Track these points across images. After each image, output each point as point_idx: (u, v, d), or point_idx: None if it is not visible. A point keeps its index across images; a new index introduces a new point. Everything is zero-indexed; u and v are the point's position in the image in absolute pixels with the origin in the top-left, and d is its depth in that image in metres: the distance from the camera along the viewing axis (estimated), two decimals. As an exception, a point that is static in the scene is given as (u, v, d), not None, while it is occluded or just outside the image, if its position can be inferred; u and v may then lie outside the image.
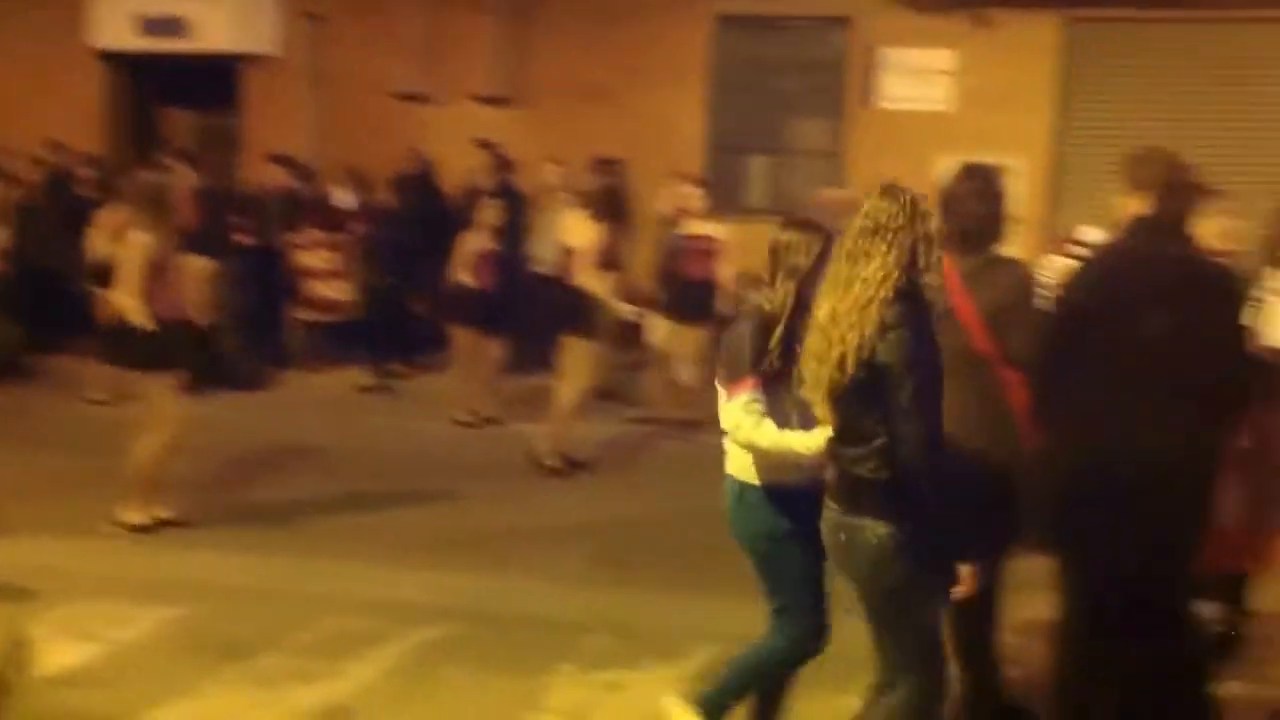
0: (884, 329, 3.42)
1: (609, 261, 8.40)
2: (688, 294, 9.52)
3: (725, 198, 11.35)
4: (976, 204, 4.34)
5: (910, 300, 3.48)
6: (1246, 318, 4.67)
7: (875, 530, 3.55)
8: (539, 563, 6.54)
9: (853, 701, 4.69)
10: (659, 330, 9.80)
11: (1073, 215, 8.55)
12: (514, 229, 10.31)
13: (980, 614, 4.47)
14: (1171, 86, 11.52)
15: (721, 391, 4.06)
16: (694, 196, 9.63)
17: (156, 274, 6.75)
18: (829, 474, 3.72)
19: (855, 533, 3.59)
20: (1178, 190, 4.16)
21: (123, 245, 7.00)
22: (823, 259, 3.80)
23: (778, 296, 3.96)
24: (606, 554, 6.77)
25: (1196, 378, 4.00)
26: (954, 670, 4.56)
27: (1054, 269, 6.04)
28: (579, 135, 11.95)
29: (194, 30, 13.45)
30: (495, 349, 9.77)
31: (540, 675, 5.08)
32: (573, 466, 8.42)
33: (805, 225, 4.06)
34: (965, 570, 3.57)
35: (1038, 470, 4.12)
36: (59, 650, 5.17)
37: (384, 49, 13.24)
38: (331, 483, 7.96)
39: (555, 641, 5.41)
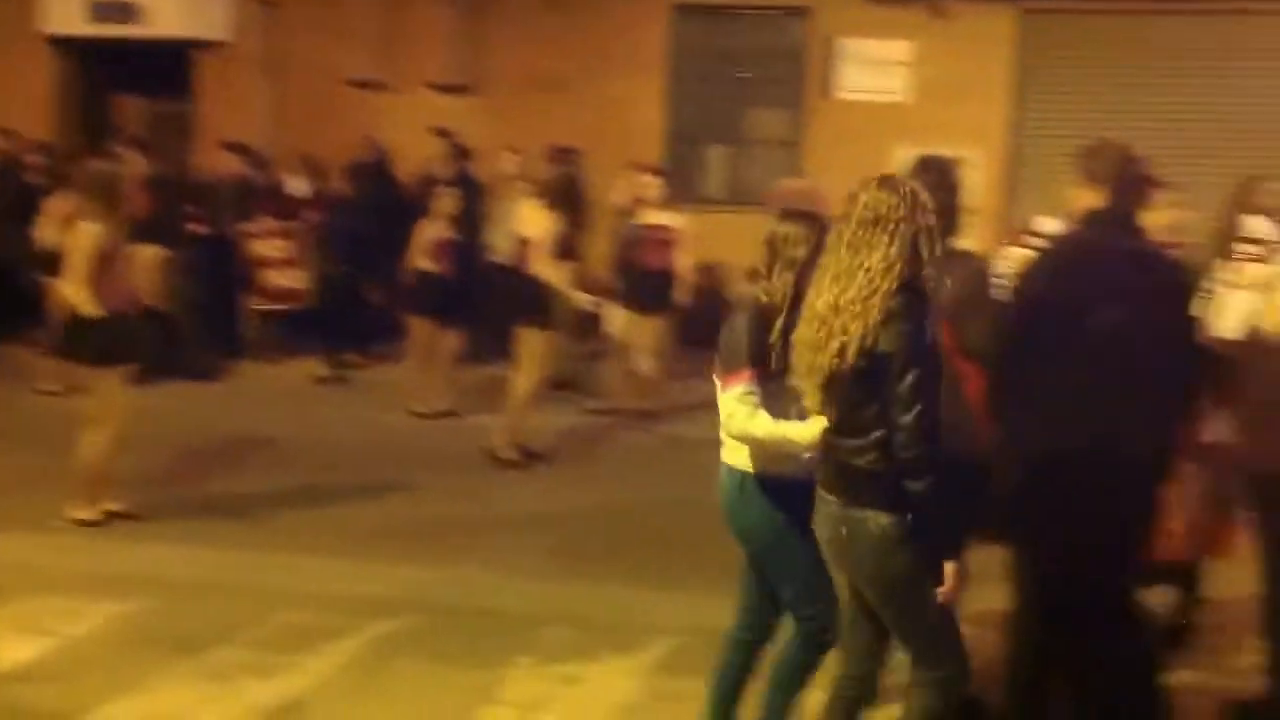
0: (887, 319, 3.42)
1: (565, 251, 8.37)
2: (645, 284, 9.51)
3: (683, 187, 11.33)
4: (931, 196, 4.34)
5: (912, 292, 3.48)
6: (1198, 309, 4.71)
7: (877, 521, 3.52)
8: (496, 555, 6.51)
9: (817, 696, 4.72)
10: (617, 320, 9.79)
11: (1029, 206, 8.61)
12: (471, 218, 10.26)
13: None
14: (1125, 78, 11.60)
15: (718, 383, 4.03)
16: (652, 186, 9.62)
17: (106, 264, 6.66)
18: (822, 467, 3.69)
19: (857, 524, 3.56)
20: (1130, 183, 4.19)
21: (71, 234, 6.90)
22: (818, 250, 3.76)
23: (776, 288, 3.92)
24: (564, 546, 6.75)
25: (1149, 369, 4.02)
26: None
27: (1011, 260, 6.06)
28: (536, 124, 11.91)
29: (146, 16, 13.26)
30: (452, 339, 9.72)
31: (497, 668, 5.05)
32: (530, 457, 8.39)
33: (803, 217, 4.03)
34: (949, 567, 3.56)
35: (993, 461, 4.13)
36: (9, 645, 5.12)
37: (339, 35, 13.13)
38: (286, 475, 7.89)
39: (512, 634, 5.38)
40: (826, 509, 3.67)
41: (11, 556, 6.20)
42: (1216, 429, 4.65)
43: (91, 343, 6.64)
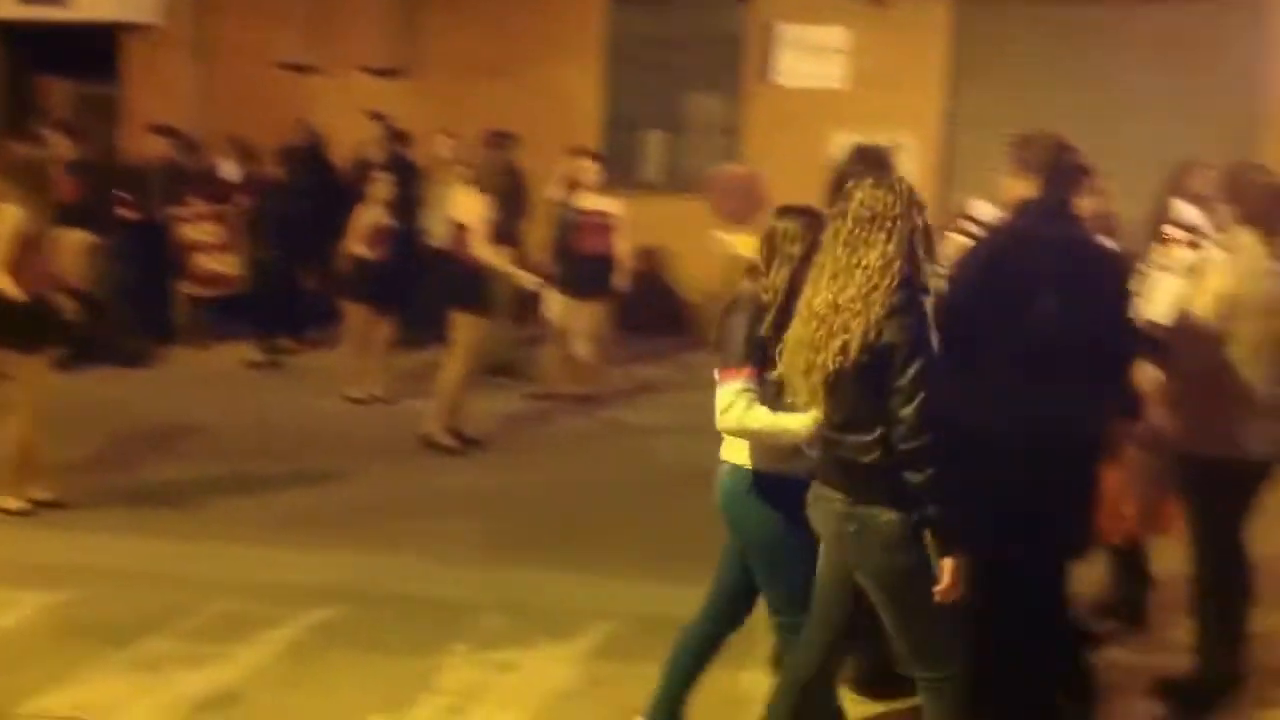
0: (891, 313, 3.42)
1: (502, 237, 8.32)
2: (583, 269, 9.48)
3: (622, 173, 11.32)
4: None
5: (911, 288, 3.48)
6: (1132, 296, 4.77)
7: (885, 516, 3.53)
8: (431, 542, 6.46)
9: (754, 676, 4.75)
10: (555, 306, 9.75)
11: (964, 193, 8.64)
12: (407, 203, 10.17)
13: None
14: (1061, 67, 11.72)
15: (716, 379, 3.99)
16: (589, 171, 9.58)
17: (29, 248, 6.54)
18: (825, 465, 3.68)
19: (866, 521, 3.56)
20: (1063, 172, 4.22)
21: (-5, 218, 6.75)
22: (815, 246, 3.74)
23: (775, 284, 3.90)
24: (500, 532, 6.71)
25: (1084, 357, 4.06)
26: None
27: (948, 246, 6.10)
28: (472, 109, 11.80)
29: (73, -2, 13.02)
30: (388, 325, 9.64)
31: (432, 656, 5.01)
32: (467, 443, 8.34)
33: (802, 213, 3.99)
34: (948, 564, 3.55)
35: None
36: (-66, 638, 5.02)
37: (269, 18, 12.94)
38: (219, 462, 7.78)
39: (448, 621, 5.34)
40: (830, 506, 3.65)
41: (-65, 547, 6.08)
42: (1158, 412, 4.72)
43: (13, 327, 6.52)
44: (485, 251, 8.22)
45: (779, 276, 3.89)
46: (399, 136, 11.55)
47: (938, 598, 3.54)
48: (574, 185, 9.68)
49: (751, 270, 4.03)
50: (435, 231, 10.05)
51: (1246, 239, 4.67)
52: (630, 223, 9.60)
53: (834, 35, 12.27)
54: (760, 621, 4.79)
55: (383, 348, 9.67)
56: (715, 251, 10.68)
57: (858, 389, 3.49)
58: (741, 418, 3.82)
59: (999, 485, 3.88)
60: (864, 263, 3.47)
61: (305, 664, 4.97)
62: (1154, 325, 4.88)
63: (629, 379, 10.50)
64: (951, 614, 3.63)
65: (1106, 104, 11.47)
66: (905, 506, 3.50)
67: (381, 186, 9.50)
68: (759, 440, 3.90)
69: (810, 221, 3.88)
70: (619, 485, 7.65)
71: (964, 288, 4.18)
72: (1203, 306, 4.59)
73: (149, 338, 10.89)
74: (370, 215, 9.42)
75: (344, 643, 5.16)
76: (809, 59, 12.35)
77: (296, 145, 11.45)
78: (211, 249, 11.04)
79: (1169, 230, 7.04)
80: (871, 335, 3.42)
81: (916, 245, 3.51)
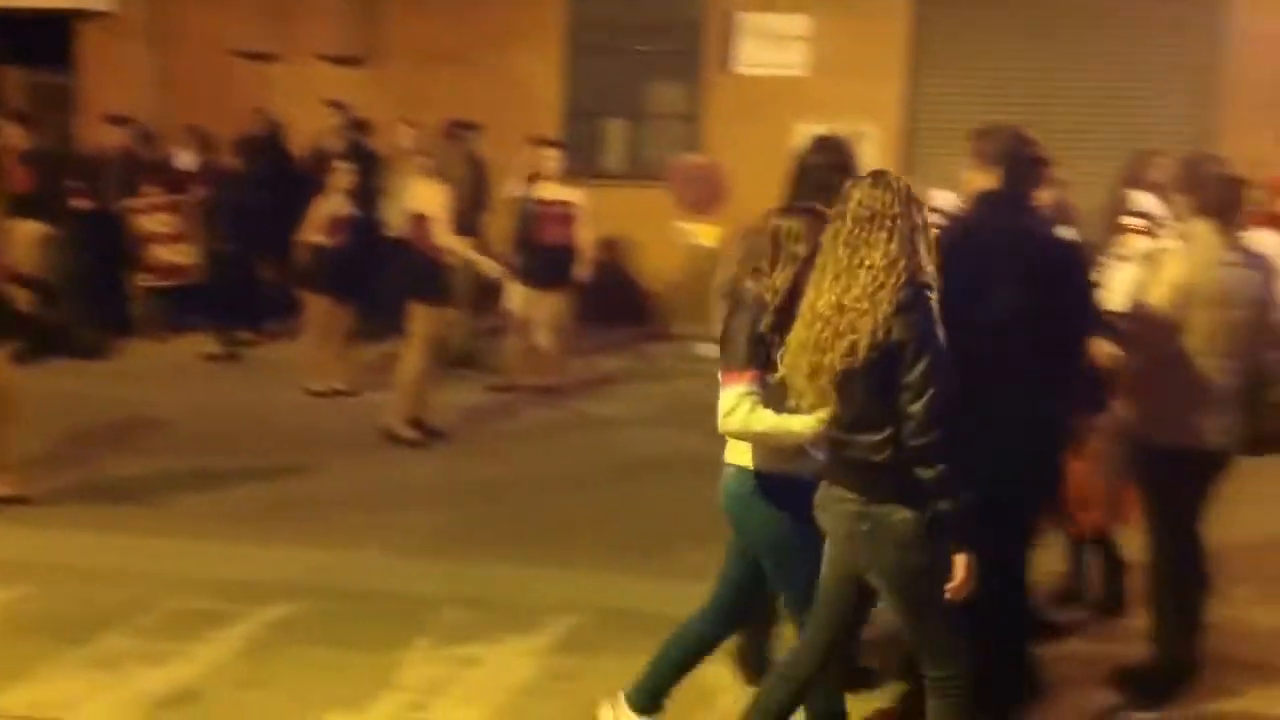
0: (898, 310, 3.42)
1: (462, 227, 8.28)
2: (544, 259, 9.45)
3: (582, 162, 11.28)
4: (827, 176, 4.37)
5: (915, 285, 3.48)
6: (1092, 287, 4.80)
7: (899, 514, 3.53)
8: (392, 535, 6.43)
9: (718, 670, 4.76)
10: (516, 296, 9.72)
11: (925, 181, 8.68)
12: (367, 192, 10.11)
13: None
14: (1021, 54, 11.78)
15: (720, 380, 3.96)
16: (550, 160, 9.54)
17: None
18: (835, 466, 3.67)
19: (880, 519, 3.55)
20: (1023, 164, 4.24)
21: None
22: (817, 247, 3.71)
23: (778, 284, 3.86)
24: (462, 525, 6.69)
25: (1042, 348, 4.08)
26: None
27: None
28: (432, 97, 11.74)
29: (27, -15, 12.84)
30: (348, 316, 9.57)
31: (393, 652, 4.98)
32: (429, 435, 8.30)
33: (807, 212, 3.94)
34: (961, 559, 3.55)
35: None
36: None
37: (227, 5, 12.83)
38: (177, 456, 7.71)
39: (409, 616, 5.32)
40: (843, 507, 3.64)
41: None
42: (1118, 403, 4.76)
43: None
44: (449, 241, 8.18)
45: (782, 276, 3.85)
46: (360, 125, 11.48)
47: (950, 594, 3.55)
48: (535, 175, 9.64)
49: (755, 270, 3.99)
50: (394, 222, 9.98)
51: (1202, 229, 4.70)
52: (591, 212, 9.57)
53: (795, 23, 12.27)
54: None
55: (343, 339, 9.61)
56: (677, 241, 10.73)
57: (867, 388, 3.48)
58: (746, 421, 3.78)
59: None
60: (867, 262, 3.46)
61: (265, 661, 4.93)
62: (1113, 314, 4.91)
63: (591, 370, 10.49)
64: (959, 613, 3.65)
65: (1067, 91, 11.56)
66: (918, 504, 3.51)
67: (342, 176, 9.43)
68: (764, 442, 3.87)
69: (814, 220, 3.83)
70: (581, 477, 7.64)
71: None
72: (1158, 296, 4.62)
73: (105, 330, 10.78)
74: (330, 205, 9.35)
75: (304, 639, 5.12)
76: (770, 47, 12.35)
77: (254, 134, 11.36)
78: (167, 239, 10.95)
79: (1126, 219, 7.11)
80: (880, 334, 3.41)
81: (918, 242, 3.51)
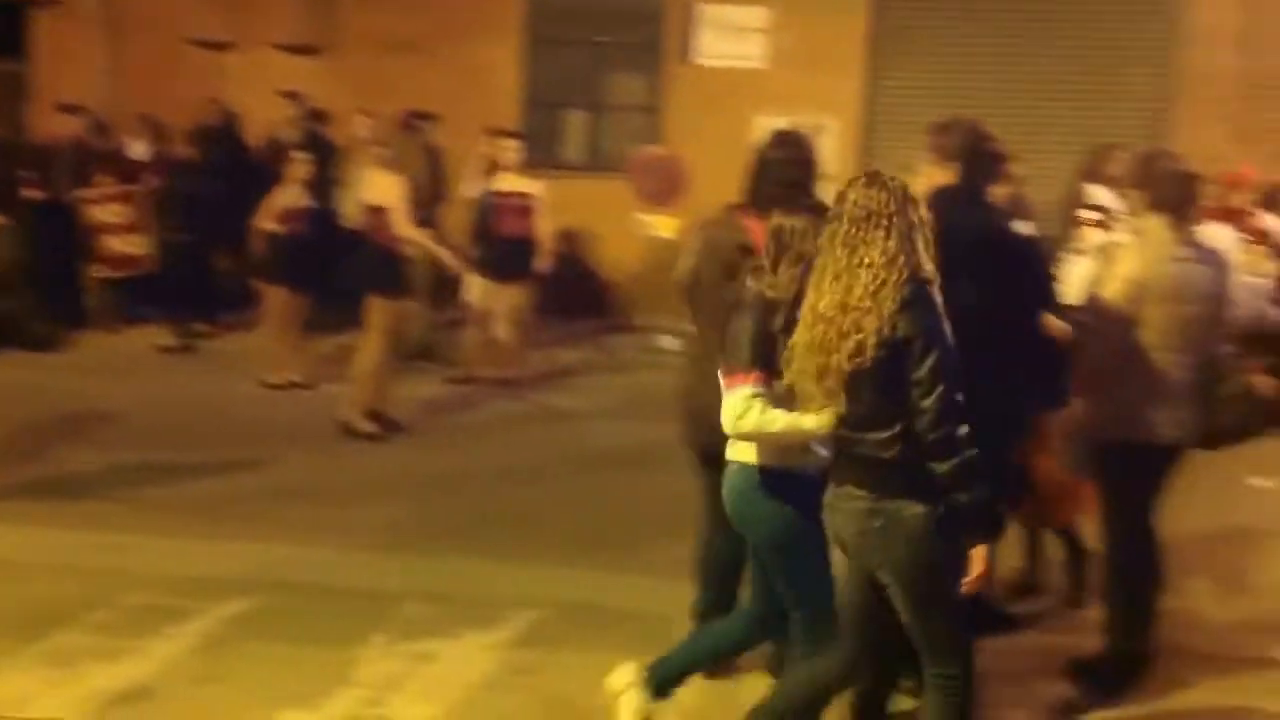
0: (903, 307, 3.42)
1: (419, 218, 8.23)
2: (503, 252, 9.41)
3: (542, 153, 11.25)
4: (787, 171, 4.37)
5: (918, 281, 3.48)
6: (1048, 281, 4.84)
7: (911, 510, 3.53)
8: (350, 529, 6.38)
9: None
10: (475, 289, 9.68)
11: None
12: (325, 183, 10.04)
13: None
14: (980, 46, 11.83)
15: (723, 382, 3.92)
16: (509, 151, 9.50)
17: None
18: (845, 464, 3.65)
19: (892, 515, 3.55)
20: (980, 159, 4.26)
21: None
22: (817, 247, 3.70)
23: (783, 282, 3.84)
24: (420, 519, 6.65)
25: (998, 344, 4.10)
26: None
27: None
28: (390, 87, 11.64)
29: (-24, -28, 12.67)
30: (305, 307, 9.49)
31: (350, 648, 4.95)
32: (388, 428, 8.24)
33: (811, 210, 3.91)
34: (979, 552, 3.55)
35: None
36: None
37: (181, -8, 12.70)
38: (131, 450, 7.62)
39: (366, 611, 5.28)
40: (854, 505, 3.63)
41: None
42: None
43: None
44: (407, 232, 8.12)
45: (788, 274, 3.83)
46: (317, 115, 11.39)
47: (967, 588, 3.57)
48: (493, 166, 9.60)
49: (755, 269, 3.97)
50: (349, 213, 9.92)
51: (1155, 224, 4.73)
52: (551, 204, 9.54)
53: (754, 15, 12.28)
54: (680, 607, 4.83)
55: (300, 331, 9.53)
56: (637, 233, 10.72)
57: (875, 386, 3.48)
58: (760, 423, 3.75)
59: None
60: (866, 260, 3.46)
61: (221, 657, 4.89)
62: (1069, 308, 4.95)
63: (550, 362, 10.46)
64: (966, 612, 3.68)
65: (1025, 85, 11.62)
66: (928, 499, 3.52)
67: (299, 166, 9.36)
68: (775, 441, 3.85)
69: (819, 218, 3.79)
70: (541, 470, 7.62)
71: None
72: (1112, 291, 4.65)
73: (58, 322, 10.65)
74: (287, 196, 9.28)
75: (259, 635, 5.08)
76: (729, 39, 12.35)
77: (208, 124, 11.24)
78: (120, 230, 10.83)
79: (1082, 213, 7.18)
80: (886, 331, 3.41)
81: (916, 239, 3.51)
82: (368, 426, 8.16)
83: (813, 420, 3.66)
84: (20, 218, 10.31)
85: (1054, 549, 5.61)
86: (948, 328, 3.50)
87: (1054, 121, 11.29)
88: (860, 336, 3.43)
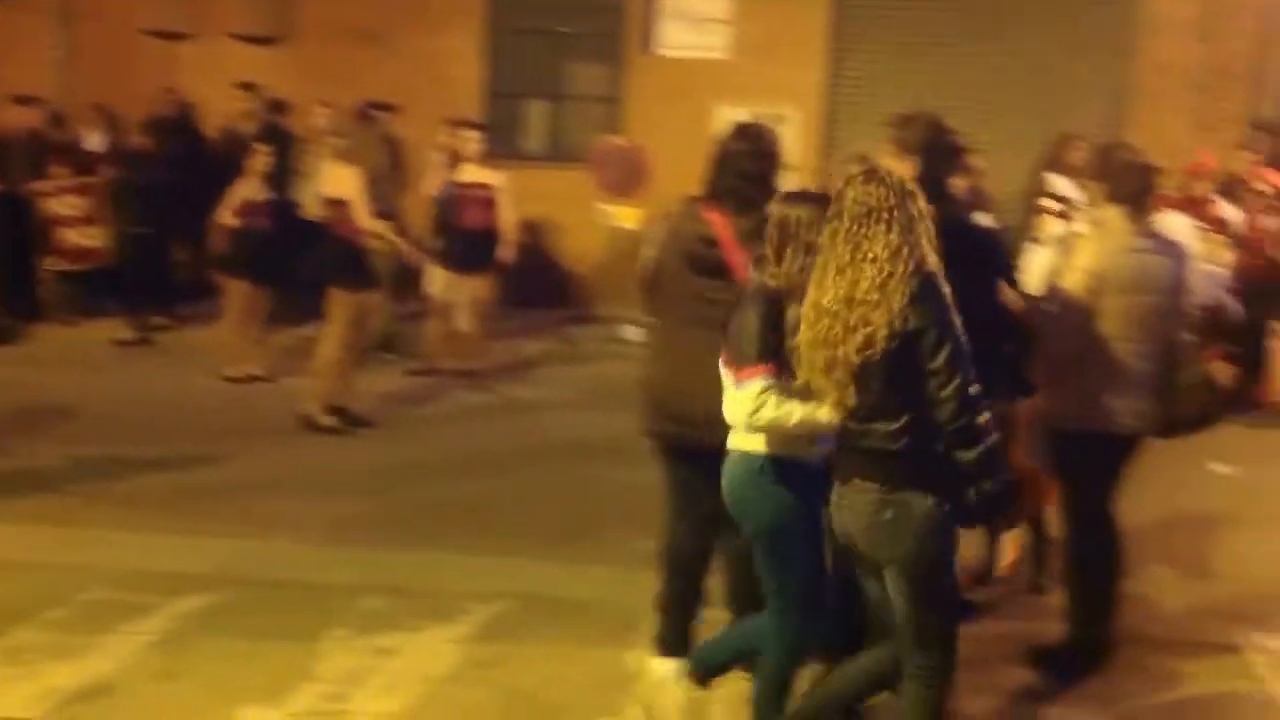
0: (913, 299, 3.43)
1: (379, 210, 8.18)
2: (465, 243, 9.37)
3: (503, 144, 11.19)
4: (748, 164, 4.37)
5: (923, 274, 3.49)
6: (1009, 273, 4.85)
7: (922, 503, 3.54)
8: (310, 524, 6.33)
9: (638, 655, 4.76)
10: (437, 280, 9.64)
11: (846, 166, 8.74)
12: (285, 175, 9.96)
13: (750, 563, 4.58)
14: (938, 39, 11.85)
15: (729, 375, 3.89)
16: (471, 142, 9.45)
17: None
18: (853, 457, 3.65)
19: (902, 508, 3.56)
20: (940, 152, 4.27)
21: None
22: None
23: (790, 272, 3.81)
24: (382, 511, 6.61)
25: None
26: (731, 615, 4.67)
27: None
28: (349, 78, 11.52)
29: (-74, -40, 12.46)
30: (266, 300, 9.42)
31: (311, 642, 4.91)
32: (352, 422, 8.18)
33: (816, 200, 3.88)
34: (1012, 537, 3.58)
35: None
36: None
37: (136, -19, 12.55)
38: (87, 444, 7.53)
39: (327, 606, 5.24)
40: (863, 498, 3.63)
41: None
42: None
43: None
44: (369, 223, 8.06)
45: (794, 264, 3.80)
46: (277, 106, 11.29)
47: (1004, 572, 3.59)
48: (455, 158, 9.55)
49: (758, 260, 3.94)
50: (308, 204, 9.84)
51: (1114, 215, 4.77)
52: (513, 195, 9.50)
53: (715, 5, 12.26)
54: (643, 599, 4.82)
55: (261, 324, 9.45)
56: (599, 223, 10.69)
57: (884, 377, 3.49)
58: (775, 417, 3.72)
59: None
60: (870, 255, 3.47)
61: (180, 653, 4.84)
62: (1029, 298, 4.97)
63: (512, 353, 10.43)
64: (958, 604, 3.72)
65: (987, 74, 11.66)
66: (938, 492, 3.54)
67: (259, 158, 9.28)
68: (791, 432, 3.80)
69: (823, 208, 3.76)
70: (504, 461, 7.59)
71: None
72: (1071, 282, 4.68)
73: (14, 315, 10.54)
74: (246, 188, 9.20)
75: (220, 630, 5.03)
76: (691, 29, 12.34)
77: (164, 115, 11.11)
78: (76, 222, 10.73)
79: (1043, 203, 7.21)
80: (897, 324, 3.42)
81: (918, 232, 3.52)
82: (328, 420, 8.10)
83: (828, 412, 3.66)
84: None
85: (1018, 537, 5.64)
86: (957, 318, 3.51)
87: (1015, 111, 11.34)
88: (869, 330, 3.44)
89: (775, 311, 3.78)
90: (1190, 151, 9.35)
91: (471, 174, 9.39)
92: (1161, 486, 5.69)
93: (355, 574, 5.67)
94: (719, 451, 4.38)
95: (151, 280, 10.71)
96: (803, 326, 3.60)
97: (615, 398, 6.63)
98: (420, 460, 7.60)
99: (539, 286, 11.62)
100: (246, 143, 9.84)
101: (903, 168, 4.26)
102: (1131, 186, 4.74)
